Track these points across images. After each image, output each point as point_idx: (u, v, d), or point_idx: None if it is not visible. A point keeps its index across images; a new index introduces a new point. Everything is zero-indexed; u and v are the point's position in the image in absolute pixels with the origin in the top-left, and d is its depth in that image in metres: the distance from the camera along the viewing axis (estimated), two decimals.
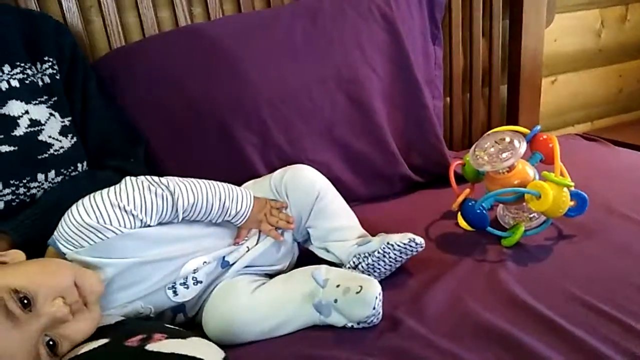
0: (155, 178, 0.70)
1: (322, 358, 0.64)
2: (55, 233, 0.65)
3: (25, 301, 0.54)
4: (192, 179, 0.73)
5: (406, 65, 1.10)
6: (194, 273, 0.72)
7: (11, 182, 0.76)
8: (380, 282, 0.70)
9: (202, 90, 0.96)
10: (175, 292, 0.71)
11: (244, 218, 0.76)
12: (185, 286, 0.71)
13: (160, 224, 0.69)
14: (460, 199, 0.88)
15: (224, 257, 0.75)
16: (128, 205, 0.64)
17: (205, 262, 0.72)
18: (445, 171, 1.01)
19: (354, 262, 0.78)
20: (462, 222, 0.91)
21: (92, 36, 1.01)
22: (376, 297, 0.67)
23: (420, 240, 0.76)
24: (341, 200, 0.85)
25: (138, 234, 0.66)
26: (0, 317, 0.52)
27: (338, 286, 0.68)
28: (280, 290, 0.73)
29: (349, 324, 0.68)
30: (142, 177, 0.69)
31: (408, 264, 0.79)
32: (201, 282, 0.73)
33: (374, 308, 0.66)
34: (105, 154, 0.89)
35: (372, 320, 0.68)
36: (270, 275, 0.80)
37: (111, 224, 0.63)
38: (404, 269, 0.80)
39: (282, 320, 0.69)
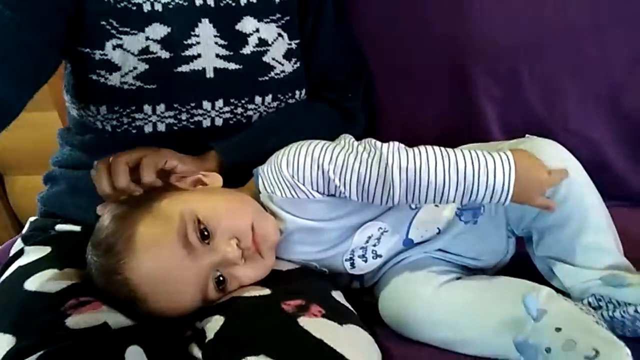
0: (374, 143, 0.60)
1: None
2: (262, 166, 0.63)
3: (205, 233, 0.55)
4: (423, 147, 0.56)
5: None
6: (374, 246, 0.63)
7: (231, 100, 0.76)
8: (626, 340, 0.47)
9: (444, 24, 0.80)
10: (352, 265, 0.64)
11: (504, 199, 0.53)
12: (364, 259, 0.64)
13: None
14: None
15: (407, 232, 0.63)
16: (327, 164, 0.56)
17: (381, 228, 0.62)
18: None
19: (590, 302, 0.55)
20: None
21: None
22: None
23: None
24: (597, 201, 0.60)
25: (330, 199, 0.59)
26: (178, 243, 0.54)
27: (558, 330, 0.48)
28: (475, 299, 0.57)
29: None
30: (361, 142, 0.61)
31: None
32: (381, 256, 0.64)
33: None
34: (325, 86, 0.84)
35: None
36: (469, 270, 0.65)
37: (304, 184, 0.57)
38: None
39: (465, 338, 0.55)
